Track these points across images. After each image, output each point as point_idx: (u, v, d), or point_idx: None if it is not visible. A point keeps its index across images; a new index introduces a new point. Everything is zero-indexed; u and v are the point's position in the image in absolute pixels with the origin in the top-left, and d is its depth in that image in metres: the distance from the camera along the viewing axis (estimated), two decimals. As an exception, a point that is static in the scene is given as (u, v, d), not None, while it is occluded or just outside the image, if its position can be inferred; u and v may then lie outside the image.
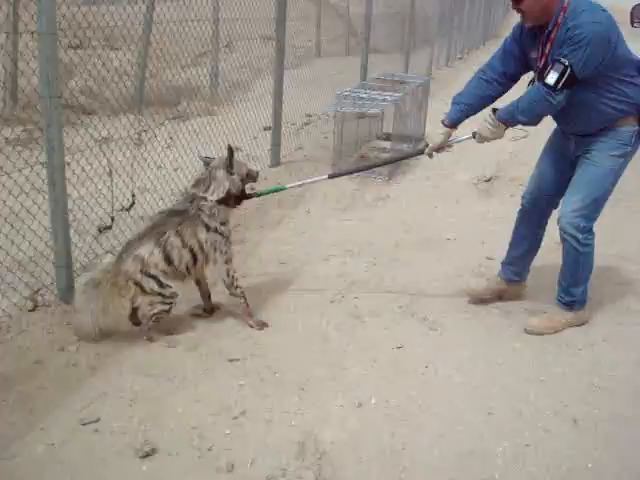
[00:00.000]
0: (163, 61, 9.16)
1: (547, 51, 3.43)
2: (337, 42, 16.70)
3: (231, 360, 3.55)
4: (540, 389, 3.40)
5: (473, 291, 4.25)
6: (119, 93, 7.38)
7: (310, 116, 8.89)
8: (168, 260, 3.59)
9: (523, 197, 4.06)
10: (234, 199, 3.77)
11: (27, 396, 3.19)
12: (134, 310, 3.64)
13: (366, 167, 4.26)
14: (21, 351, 3.48)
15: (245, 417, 3.12)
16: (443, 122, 3.88)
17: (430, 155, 3.95)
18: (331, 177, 4.31)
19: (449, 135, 3.86)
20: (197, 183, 3.73)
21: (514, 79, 3.77)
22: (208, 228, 3.66)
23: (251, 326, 3.85)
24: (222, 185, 3.68)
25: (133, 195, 4.43)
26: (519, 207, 4.10)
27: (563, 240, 3.71)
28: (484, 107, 3.78)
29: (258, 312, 4.03)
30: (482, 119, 3.72)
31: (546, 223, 4.06)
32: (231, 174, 3.71)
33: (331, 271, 4.68)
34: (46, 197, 3.81)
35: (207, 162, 3.78)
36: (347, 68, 10.72)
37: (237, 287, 3.84)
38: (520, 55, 3.66)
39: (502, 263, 4.24)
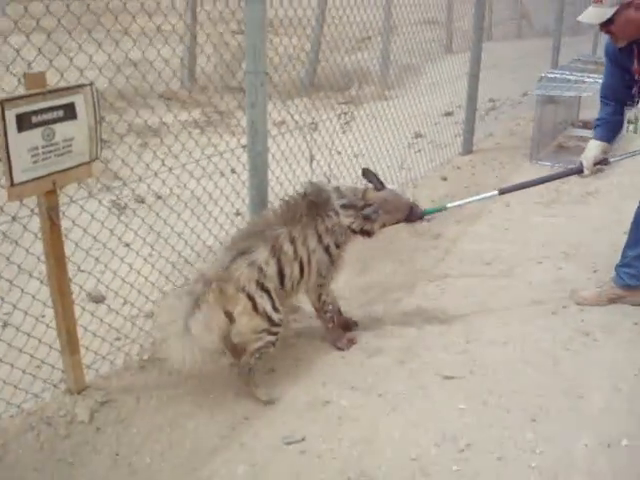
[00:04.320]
0: (333, 45, 8.86)
1: None
2: (506, 25, 15.78)
3: (446, 377, 3.08)
4: None
5: (583, 299, 3.77)
6: (289, 77, 7.10)
7: (494, 101, 8.26)
8: (281, 275, 2.95)
9: None
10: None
11: (224, 404, 2.87)
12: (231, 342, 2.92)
13: (537, 182, 3.70)
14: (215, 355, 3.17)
15: (472, 451, 2.64)
16: (595, 137, 3.54)
17: (587, 175, 3.55)
18: (502, 193, 3.65)
19: (606, 151, 3.49)
20: (339, 191, 3.19)
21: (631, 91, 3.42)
22: (320, 241, 3.07)
23: (340, 348, 3.29)
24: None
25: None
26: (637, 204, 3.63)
27: None
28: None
29: (465, 321, 3.56)
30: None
31: None
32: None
33: (546, 276, 4.09)
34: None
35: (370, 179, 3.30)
36: (525, 51, 9.96)
37: (327, 312, 3.27)
38: (623, 72, 3.38)
39: (617, 266, 3.76)
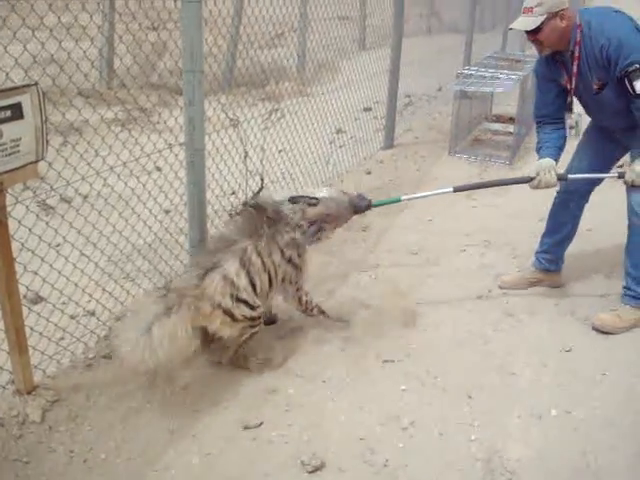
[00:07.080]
0: (248, 42, 8.90)
1: (575, 69, 3.37)
2: (414, 22, 16.15)
3: (386, 361, 3.24)
4: None
5: (505, 283, 4.03)
6: (207, 75, 7.06)
7: (410, 97, 8.51)
8: (252, 285, 2.99)
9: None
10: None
11: (173, 398, 2.93)
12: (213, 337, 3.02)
13: (488, 185, 3.92)
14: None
15: (415, 428, 2.80)
16: (541, 157, 3.61)
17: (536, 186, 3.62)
18: (456, 190, 3.74)
19: (554, 167, 3.52)
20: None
21: (570, 108, 3.62)
22: (283, 256, 3.13)
23: (345, 321, 3.51)
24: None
25: (262, 179, 4.12)
26: (555, 194, 3.92)
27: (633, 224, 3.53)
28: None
29: (398, 307, 3.71)
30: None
31: (584, 206, 3.90)
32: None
33: (470, 263, 4.31)
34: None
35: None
36: (436, 47, 10.25)
37: (312, 308, 3.38)
38: (556, 86, 3.55)
39: (536, 252, 4.04)
